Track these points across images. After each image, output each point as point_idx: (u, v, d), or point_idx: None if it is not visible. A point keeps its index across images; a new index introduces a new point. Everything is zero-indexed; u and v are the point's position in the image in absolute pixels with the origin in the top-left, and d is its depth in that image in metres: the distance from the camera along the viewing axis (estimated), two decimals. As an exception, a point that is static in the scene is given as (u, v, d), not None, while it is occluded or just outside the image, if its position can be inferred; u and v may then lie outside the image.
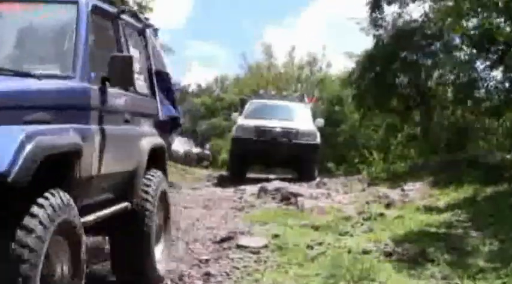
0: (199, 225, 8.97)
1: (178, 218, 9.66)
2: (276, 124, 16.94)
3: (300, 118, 17.81)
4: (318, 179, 16.57)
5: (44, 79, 4.26)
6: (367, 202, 10.65)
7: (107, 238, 6.15)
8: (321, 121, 18.41)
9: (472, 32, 13.45)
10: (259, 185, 12.93)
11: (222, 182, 16.74)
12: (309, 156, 16.59)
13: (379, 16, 19.53)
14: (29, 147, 3.44)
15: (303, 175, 16.48)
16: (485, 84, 14.30)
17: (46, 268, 3.62)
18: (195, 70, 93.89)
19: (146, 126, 5.90)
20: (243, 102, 20.62)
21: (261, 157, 17.47)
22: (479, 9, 12.76)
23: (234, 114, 19.73)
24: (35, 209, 3.52)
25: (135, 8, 11.01)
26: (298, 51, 57.66)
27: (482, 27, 12.71)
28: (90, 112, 4.53)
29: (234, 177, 16.89)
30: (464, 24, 13.40)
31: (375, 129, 24.99)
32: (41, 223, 3.50)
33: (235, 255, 6.90)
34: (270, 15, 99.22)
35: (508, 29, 13.04)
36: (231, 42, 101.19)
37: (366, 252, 6.73)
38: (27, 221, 3.45)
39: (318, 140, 17.02)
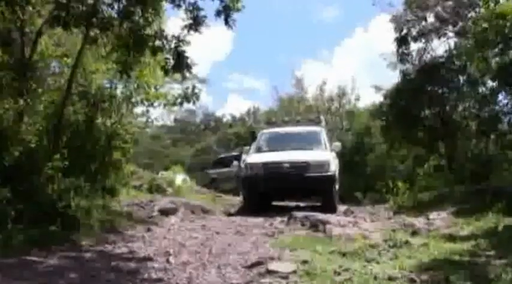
0: (231, 250, 9.05)
1: (211, 243, 10.04)
2: (285, 157, 16.12)
3: (314, 146, 17.08)
4: (345, 207, 16.69)
5: None
6: (393, 230, 10.72)
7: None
8: (338, 145, 17.81)
9: (493, 67, 13.70)
10: (288, 212, 13.00)
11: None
12: (324, 187, 15.66)
13: (405, 52, 19.93)
14: None
15: (323, 206, 15.62)
16: (508, 118, 14.53)
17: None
18: (233, 101, 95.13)
19: None
20: (253, 134, 20.17)
21: (273, 194, 16.92)
22: (500, 45, 13.03)
23: (245, 148, 19.13)
24: None
25: (173, 41, 11.38)
26: (330, 84, 58.18)
27: (503, 61, 12.95)
28: None
29: (253, 212, 15.38)
30: (486, 59, 13.65)
31: (402, 160, 25.17)
32: None
33: (265, 280, 6.93)
34: (306, 49, 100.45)
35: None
36: (270, 75, 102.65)
37: (391, 279, 6.74)
38: None
39: (333, 170, 16.00)
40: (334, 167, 16.12)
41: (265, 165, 16.00)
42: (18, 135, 10.88)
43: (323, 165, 15.81)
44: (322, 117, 20.37)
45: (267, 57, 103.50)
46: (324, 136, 17.69)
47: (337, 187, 16.67)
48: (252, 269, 7.58)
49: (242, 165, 17.39)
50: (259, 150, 17.53)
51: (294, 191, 16.33)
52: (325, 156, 16.41)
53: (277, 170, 15.75)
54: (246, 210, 16.25)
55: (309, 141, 17.40)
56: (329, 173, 15.77)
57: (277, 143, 17.49)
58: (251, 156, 17.20)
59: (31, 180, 10.28)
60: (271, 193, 16.55)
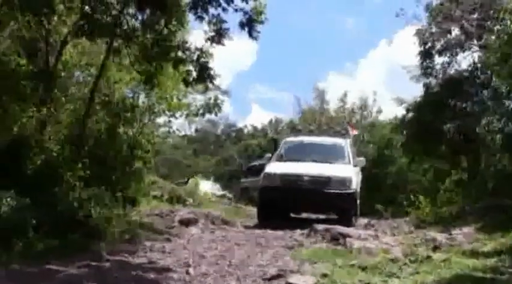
0: (251, 262, 9.06)
1: (230, 254, 10.02)
2: (306, 170, 15.49)
3: (337, 160, 16.38)
4: (366, 220, 16.59)
5: None
6: (415, 245, 10.68)
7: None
8: (362, 161, 17.59)
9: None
10: (308, 225, 12.99)
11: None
12: (343, 205, 15.09)
13: (429, 65, 19.89)
14: None
15: (338, 221, 14.78)
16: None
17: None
18: (256, 112, 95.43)
19: None
20: (275, 142, 19.27)
21: (290, 207, 16.56)
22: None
23: (267, 155, 18.41)
24: None
25: (196, 53, 11.44)
26: (353, 96, 58.29)
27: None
28: None
29: (262, 224, 14.99)
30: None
31: (423, 174, 25.04)
32: None
33: None
34: (331, 61, 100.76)
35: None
36: (293, 87, 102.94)
37: None
38: None
39: (354, 187, 15.39)
40: (355, 184, 15.58)
41: (283, 176, 15.47)
42: (40, 143, 10.96)
43: (344, 182, 15.19)
44: (349, 129, 20.08)
45: (291, 68, 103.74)
46: (348, 150, 17.07)
47: (357, 202, 16.27)
48: (272, 281, 7.59)
49: (261, 175, 16.48)
50: (280, 158, 16.90)
51: (312, 206, 16.03)
52: (347, 172, 15.77)
53: (296, 183, 15.21)
54: (260, 223, 15.63)
55: (332, 154, 16.77)
56: (350, 190, 15.20)
57: (300, 153, 16.94)
58: (271, 165, 16.54)
59: (52, 189, 10.34)
60: (287, 206, 16.19)
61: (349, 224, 14.17)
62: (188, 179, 32.60)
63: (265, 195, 15.70)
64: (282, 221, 15.43)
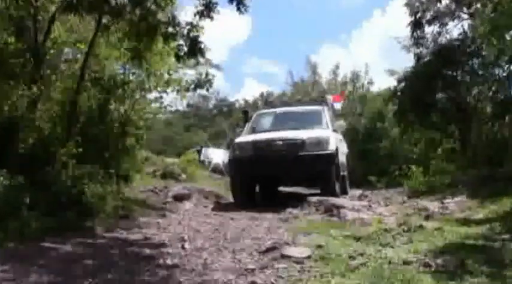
0: (245, 235, 9.10)
1: (225, 228, 10.05)
2: (278, 135, 14.30)
3: (314, 126, 15.13)
4: (359, 191, 16.61)
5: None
6: (408, 214, 10.75)
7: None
8: (342, 125, 16.89)
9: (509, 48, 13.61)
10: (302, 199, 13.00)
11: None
12: (323, 168, 13.76)
13: (420, 35, 19.85)
14: None
15: (322, 190, 14.11)
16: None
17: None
18: (250, 86, 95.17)
19: None
20: (246, 115, 17.79)
21: (265, 178, 14.83)
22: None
23: (239, 130, 17.47)
24: None
25: (186, 28, 11.34)
26: (346, 68, 58.04)
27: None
28: None
29: (240, 204, 13.73)
30: (502, 40, 13.54)
31: (415, 143, 25.13)
32: None
33: (280, 265, 6.90)
34: (325, 34, 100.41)
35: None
36: (287, 60, 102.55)
37: (406, 263, 6.71)
38: None
39: (332, 148, 13.99)
40: (333, 146, 14.15)
41: (255, 144, 14.19)
42: (32, 122, 10.92)
43: (320, 143, 13.93)
44: (328, 97, 19.03)
45: (285, 41, 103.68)
46: (325, 116, 15.87)
47: (343, 169, 15.63)
48: (267, 254, 7.58)
49: (230, 148, 15.45)
50: (252, 130, 15.71)
51: (288, 173, 14.34)
52: (323, 133, 14.58)
53: (269, 149, 13.91)
54: (235, 203, 14.30)
55: (308, 121, 15.48)
56: (327, 151, 13.84)
57: (273, 124, 15.82)
58: (242, 137, 15.41)
59: (45, 167, 10.33)
60: (262, 177, 14.58)
61: (331, 191, 13.61)
62: (202, 148, 32.80)
63: (236, 168, 14.48)
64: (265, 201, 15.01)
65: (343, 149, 16.81)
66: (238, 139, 15.13)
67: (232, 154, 14.77)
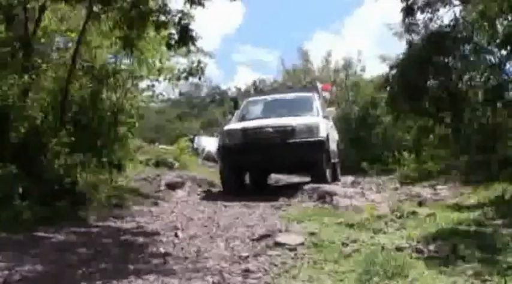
0: (239, 223, 9.10)
1: (218, 216, 10.07)
2: (268, 122, 14.17)
3: (304, 112, 14.91)
4: (352, 178, 16.63)
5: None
6: (400, 201, 10.83)
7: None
8: (332, 111, 16.76)
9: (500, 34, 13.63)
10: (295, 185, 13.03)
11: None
12: (312, 155, 13.60)
13: (412, 22, 19.81)
14: None
15: (313, 178, 13.86)
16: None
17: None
18: (243, 74, 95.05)
19: None
20: (235, 103, 17.93)
21: (254, 166, 14.68)
22: (508, 12, 12.93)
23: (227, 118, 17.36)
24: None
25: (177, 16, 11.26)
26: (339, 55, 57.92)
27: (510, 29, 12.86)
28: None
29: (230, 193, 13.62)
30: (494, 27, 13.57)
31: (407, 130, 25.15)
32: None
33: (273, 252, 6.94)
34: (318, 21, 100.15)
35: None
36: (280, 47, 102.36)
37: (398, 249, 6.76)
38: None
39: (322, 135, 13.87)
40: (324, 132, 14.07)
41: (244, 131, 14.01)
42: (23, 111, 10.86)
43: (311, 130, 13.76)
44: (318, 84, 18.76)
45: (278, 29, 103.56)
46: (315, 102, 15.75)
47: (334, 156, 15.62)
48: (260, 241, 7.60)
49: (219, 136, 15.27)
50: (242, 118, 15.59)
51: (278, 161, 14.14)
52: (313, 120, 14.44)
53: (258, 136, 13.72)
54: (224, 192, 14.16)
55: (298, 108, 15.29)
56: (318, 138, 13.70)
57: (263, 111, 15.78)
58: (231, 124, 15.26)
59: (37, 157, 10.30)
60: (251, 164, 14.39)
61: (322, 178, 13.51)
62: (195, 136, 32.90)
63: (225, 156, 14.28)
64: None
65: (334, 136, 16.78)
66: (227, 127, 15.01)
67: (221, 141, 14.66)
